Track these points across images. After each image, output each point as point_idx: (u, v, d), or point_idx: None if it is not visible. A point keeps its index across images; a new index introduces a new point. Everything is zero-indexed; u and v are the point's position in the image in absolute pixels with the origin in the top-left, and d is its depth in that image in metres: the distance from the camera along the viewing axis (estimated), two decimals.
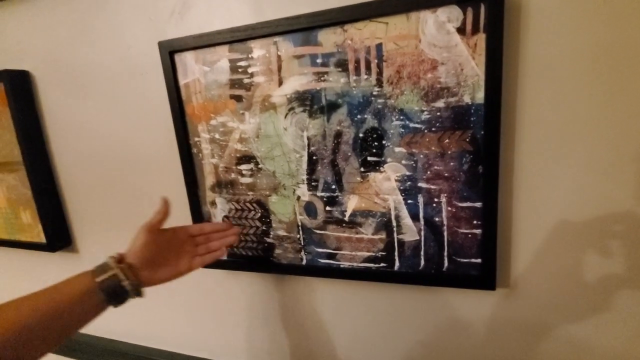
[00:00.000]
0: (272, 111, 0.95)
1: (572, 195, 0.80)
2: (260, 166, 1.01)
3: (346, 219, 0.97)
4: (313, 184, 0.97)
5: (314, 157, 0.95)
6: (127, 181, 1.20)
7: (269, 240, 1.07)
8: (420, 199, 0.90)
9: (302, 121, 0.93)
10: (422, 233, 0.92)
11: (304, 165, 0.97)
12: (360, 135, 0.90)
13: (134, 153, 1.16)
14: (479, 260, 0.89)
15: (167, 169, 1.13)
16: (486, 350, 0.96)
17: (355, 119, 0.89)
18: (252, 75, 0.95)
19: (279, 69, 0.92)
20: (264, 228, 1.06)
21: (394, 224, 0.93)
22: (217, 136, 1.03)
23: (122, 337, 1.41)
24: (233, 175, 1.05)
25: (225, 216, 1.09)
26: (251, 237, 1.09)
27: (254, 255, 1.10)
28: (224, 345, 1.27)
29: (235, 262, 1.12)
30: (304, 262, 1.05)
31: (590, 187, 0.79)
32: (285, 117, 0.95)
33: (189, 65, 1.00)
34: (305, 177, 0.98)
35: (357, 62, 0.86)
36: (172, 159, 1.11)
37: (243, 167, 1.03)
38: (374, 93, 0.86)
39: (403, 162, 0.88)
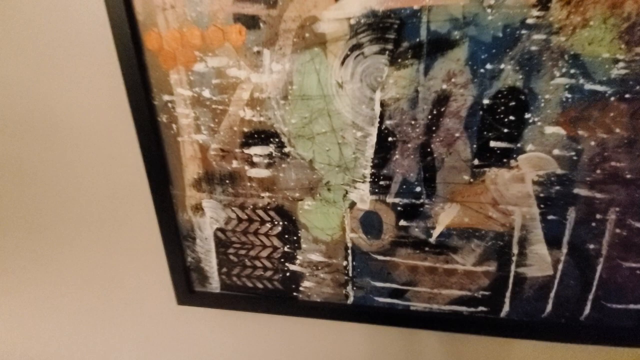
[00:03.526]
0: (318, 50, 0.51)
1: None
2: (286, 150, 0.58)
3: (432, 240, 0.59)
4: (381, 182, 0.57)
5: (390, 138, 0.54)
6: (37, 164, 0.71)
7: (293, 267, 0.67)
8: (571, 214, 0.53)
9: (376, 71, 0.51)
10: (561, 266, 0.57)
11: (369, 151, 0.55)
12: (485, 101, 0.49)
13: (42, 119, 0.66)
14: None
15: (112, 148, 0.65)
16: None
17: (481, 70, 0.48)
18: None
19: None
20: (286, 249, 0.65)
21: (515, 250, 0.57)
22: (206, 94, 0.57)
23: None
24: (235, 164, 0.61)
25: (220, 229, 0.66)
26: (264, 263, 0.68)
27: (268, 289, 0.70)
28: None
29: (238, 297, 0.71)
30: (351, 300, 0.67)
31: None
32: (344, 62, 0.51)
33: None
34: (369, 170, 0.57)
35: None
36: (122, 131, 0.63)
37: (255, 150, 0.59)
38: (530, 22, 0.45)
39: (555, 152, 0.50)
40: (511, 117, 0.50)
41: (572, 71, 0.46)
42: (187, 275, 0.72)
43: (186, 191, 0.65)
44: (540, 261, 0.57)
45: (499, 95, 0.49)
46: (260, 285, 0.70)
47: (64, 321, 0.85)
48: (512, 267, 0.58)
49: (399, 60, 0.49)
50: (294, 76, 0.53)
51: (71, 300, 0.82)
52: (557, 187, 0.52)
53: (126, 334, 0.82)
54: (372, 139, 0.55)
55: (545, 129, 0.50)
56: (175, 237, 0.68)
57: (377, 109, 0.53)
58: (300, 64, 0.52)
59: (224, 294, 0.72)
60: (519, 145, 0.51)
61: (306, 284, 0.68)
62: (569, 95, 0.47)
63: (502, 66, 0.47)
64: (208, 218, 0.66)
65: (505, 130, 0.50)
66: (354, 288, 0.66)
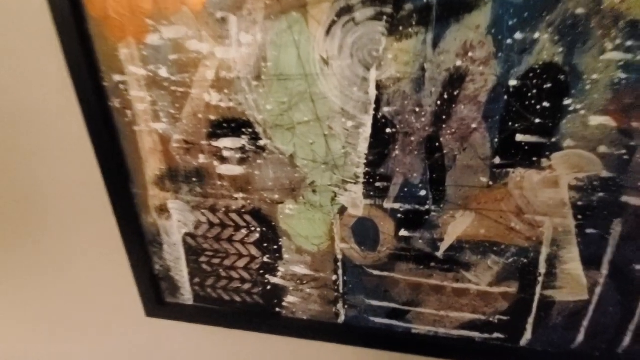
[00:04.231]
0: (297, 15, 0.40)
1: None
2: (262, 142, 0.47)
3: (439, 254, 0.48)
4: (378, 184, 0.46)
5: (388, 130, 0.43)
6: None
7: (275, 280, 0.57)
8: (616, 228, 0.42)
9: (370, 43, 0.40)
10: (599, 290, 0.46)
11: (363, 146, 0.45)
12: (512, 83, 0.38)
13: None
14: None
15: (59, 139, 0.55)
16: None
17: (508, 41, 0.37)
18: None
19: None
20: (266, 260, 0.56)
21: (542, 270, 0.46)
22: (163, 72, 0.47)
23: None
24: (202, 159, 0.51)
25: (190, 235, 0.57)
26: (241, 274, 0.58)
27: (247, 303, 0.60)
28: None
29: (214, 311, 0.62)
30: (342, 319, 0.57)
31: None
32: (329, 31, 0.40)
33: None
34: (362, 169, 0.46)
35: None
36: (68, 118, 0.53)
37: (224, 142, 0.49)
38: None
39: (601, 149, 0.39)
40: (545, 104, 0.38)
41: (629, 43, 0.35)
42: (155, 284, 0.62)
43: (148, 190, 0.55)
44: (574, 283, 0.46)
45: (531, 75, 0.38)
46: (238, 299, 0.60)
47: (22, 334, 0.77)
48: (538, 289, 0.48)
49: (401, 28, 0.38)
50: (268, 50, 0.42)
51: (30, 311, 0.73)
52: (601, 194, 0.41)
53: (90, 346, 0.74)
54: (366, 130, 0.44)
55: (589, 120, 0.38)
56: (139, 243, 0.59)
57: (372, 92, 0.42)
58: (275, 35, 0.41)
59: (198, 306, 0.63)
60: (553, 140, 0.40)
61: (290, 299, 0.58)
62: (623, 76, 0.36)
63: (537, 36, 0.36)
64: (175, 221, 0.56)
65: (537, 121, 0.39)
66: (346, 306, 0.56)
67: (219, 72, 0.45)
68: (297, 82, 0.43)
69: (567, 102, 0.38)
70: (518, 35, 0.36)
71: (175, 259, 0.60)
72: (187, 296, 0.63)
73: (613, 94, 0.37)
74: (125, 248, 0.59)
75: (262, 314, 0.60)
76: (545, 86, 0.38)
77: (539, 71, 0.37)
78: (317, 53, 0.41)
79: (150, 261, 0.60)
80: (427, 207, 0.46)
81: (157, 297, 0.63)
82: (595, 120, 0.38)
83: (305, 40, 0.41)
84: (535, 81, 0.38)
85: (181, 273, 0.61)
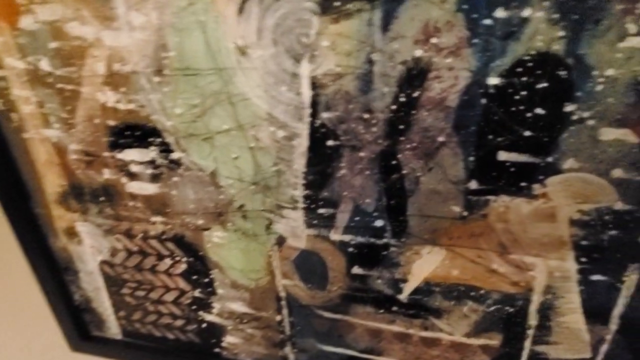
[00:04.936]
0: None
1: None
2: (175, 156, 0.37)
3: (403, 297, 0.38)
4: (322, 210, 0.36)
5: (330, 142, 0.32)
6: None
7: (210, 317, 0.47)
8: (632, 276, 0.32)
9: (298, 25, 0.29)
10: (604, 348, 0.36)
11: (299, 162, 0.34)
12: (493, 81, 0.27)
13: None
14: None
15: None
16: None
17: (486, 21, 0.26)
18: None
19: None
20: (197, 294, 0.46)
21: (533, 321, 0.36)
22: (44, 65, 0.36)
23: None
24: (108, 174, 0.40)
25: (106, 262, 0.47)
26: (170, 309, 0.48)
27: (181, 341, 0.51)
28: None
29: (146, 348, 0.53)
30: None
31: None
32: (242, 8, 0.29)
33: None
34: (300, 191, 0.36)
35: None
36: None
37: (130, 154, 0.39)
38: None
39: (616, 173, 0.28)
40: (539, 111, 0.28)
41: None
42: (77, 316, 0.53)
43: (52, 209, 0.45)
44: (573, 339, 0.36)
45: (519, 70, 0.27)
46: (170, 336, 0.51)
47: None
48: (527, 344, 0.38)
49: (337, 2, 0.27)
50: (168, 35, 0.31)
51: None
52: (613, 232, 0.30)
53: None
54: (302, 143, 0.33)
55: (600, 133, 0.27)
56: (50, 269, 0.49)
57: (306, 92, 0.31)
58: (174, 14, 0.31)
59: (129, 342, 0.53)
60: (550, 159, 0.29)
61: (230, 339, 0.48)
62: None
63: (528, 13, 0.25)
64: (88, 247, 0.46)
65: (527, 134, 0.28)
66: (295, 350, 0.46)
67: (110, 65, 0.34)
68: (208, 79, 0.32)
69: (569, 108, 0.27)
70: (500, 13, 0.25)
71: (94, 289, 0.50)
72: (114, 330, 0.53)
73: (636, 97, 0.26)
74: (35, 275, 0.50)
75: (200, 354, 0.51)
76: (538, 86, 0.27)
77: (530, 64, 0.26)
78: (230, 39, 0.30)
79: (67, 290, 0.51)
80: (385, 240, 0.36)
81: (80, 330, 0.54)
82: (609, 133, 0.27)
83: (214, 21, 0.30)
84: (524, 79, 0.27)
85: (104, 305, 0.51)
